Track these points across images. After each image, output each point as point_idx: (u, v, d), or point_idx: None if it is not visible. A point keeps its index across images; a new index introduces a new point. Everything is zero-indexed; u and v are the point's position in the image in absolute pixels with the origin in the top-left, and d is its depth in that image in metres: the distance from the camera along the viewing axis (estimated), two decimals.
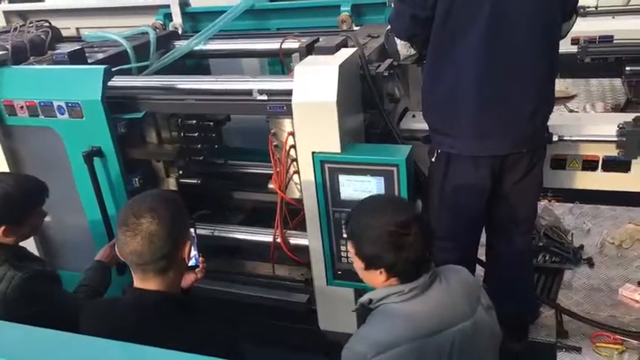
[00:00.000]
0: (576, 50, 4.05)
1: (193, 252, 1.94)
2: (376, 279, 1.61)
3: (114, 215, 2.51)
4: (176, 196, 1.75)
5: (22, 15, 3.62)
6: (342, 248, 2.27)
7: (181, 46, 3.00)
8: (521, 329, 2.47)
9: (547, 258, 2.92)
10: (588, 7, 4.51)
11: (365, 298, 1.64)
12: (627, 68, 4.03)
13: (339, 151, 2.14)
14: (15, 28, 3.02)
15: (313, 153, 2.17)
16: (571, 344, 2.38)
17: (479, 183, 2.15)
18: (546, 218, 3.13)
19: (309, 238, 2.35)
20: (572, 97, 4.46)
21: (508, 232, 2.32)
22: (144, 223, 1.53)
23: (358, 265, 1.64)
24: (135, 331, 1.40)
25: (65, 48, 2.78)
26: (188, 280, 1.97)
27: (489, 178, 2.14)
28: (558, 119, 2.53)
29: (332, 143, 2.13)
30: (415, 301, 1.57)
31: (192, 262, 1.95)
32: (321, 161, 2.17)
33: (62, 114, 2.46)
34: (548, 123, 2.33)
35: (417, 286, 1.57)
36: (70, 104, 2.43)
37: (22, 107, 2.51)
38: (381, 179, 2.13)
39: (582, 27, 4.11)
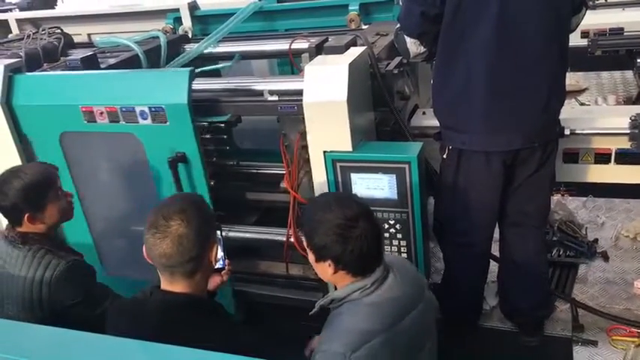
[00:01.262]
0: (586, 43, 4.04)
1: (220, 254, 1.98)
2: (325, 271, 1.65)
3: None
4: (202, 198, 1.77)
5: (34, 22, 3.67)
6: None
7: (192, 49, 3.03)
8: (537, 324, 2.47)
9: (561, 252, 2.91)
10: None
11: (326, 300, 1.68)
12: (639, 60, 4.02)
13: (350, 149, 2.15)
14: (28, 36, 3.07)
15: (325, 152, 2.19)
16: (587, 338, 2.38)
17: (491, 178, 2.15)
18: (560, 212, 3.13)
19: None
20: (584, 90, 4.43)
21: (521, 226, 2.32)
22: (173, 226, 1.55)
23: (310, 257, 1.69)
24: (160, 333, 1.42)
25: (77, 54, 2.80)
26: (214, 282, 2.00)
27: (502, 173, 2.15)
28: (570, 113, 2.53)
29: (343, 142, 2.14)
30: (376, 294, 1.63)
31: (219, 264, 1.98)
32: (332, 160, 2.19)
33: (145, 119, 2.36)
34: (560, 117, 2.33)
35: (376, 279, 1.63)
36: (153, 109, 2.34)
37: (101, 113, 2.42)
38: (393, 177, 2.14)
39: (592, 20, 4.08)
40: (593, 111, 2.93)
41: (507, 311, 2.53)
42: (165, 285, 1.62)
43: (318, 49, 2.45)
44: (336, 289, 1.71)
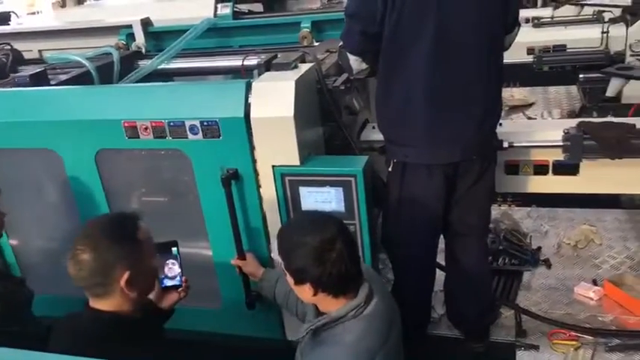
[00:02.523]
0: (532, 59, 4.23)
1: (177, 271, 1.99)
2: (305, 293, 1.70)
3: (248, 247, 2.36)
4: (125, 223, 1.75)
5: None
6: None
7: (145, 65, 3.04)
8: (482, 330, 2.55)
9: (507, 260, 3.01)
10: (543, 18, 4.71)
11: (320, 322, 1.71)
12: (581, 76, 4.22)
13: (298, 163, 2.20)
14: None
15: (274, 166, 2.23)
16: (529, 342, 2.46)
17: (434, 190, 2.23)
18: (506, 222, 3.24)
19: (273, 252, 2.39)
20: (531, 104, 4.62)
21: (464, 236, 2.40)
22: (78, 250, 1.62)
23: (289, 279, 1.73)
24: (94, 348, 1.43)
25: (27, 70, 2.75)
26: (170, 299, 2.02)
27: (444, 185, 2.23)
28: (510, 126, 2.65)
29: (291, 156, 2.19)
30: (367, 315, 1.68)
31: (176, 282, 2.00)
32: (281, 174, 2.23)
33: (195, 134, 2.23)
34: (501, 130, 2.43)
35: (363, 301, 1.68)
36: (205, 123, 2.22)
37: (146, 128, 2.27)
38: (340, 189, 2.19)
39: (537, 37, 4.32)
40: (532, 124, 3.07)
41: (454, 319, 2.60)
42: (92, 303, 1.68)
43: (267, 66, 2.50)
44: (318, 310, 1.76)
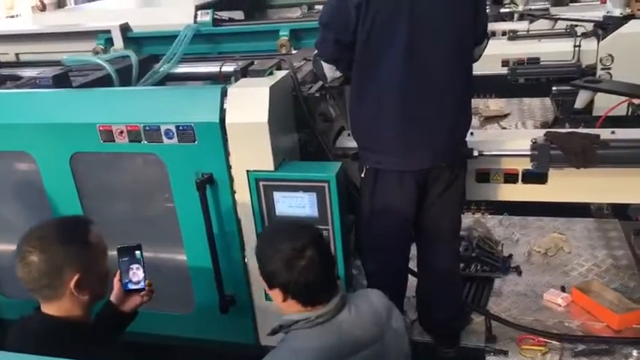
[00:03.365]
0: (507, 71, 4.33)
1: (141, 275, 1.99)
2: (277, 298, 1.73)
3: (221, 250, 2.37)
4: (76, 226, 1.74)
5: None
6: None
7: (161, 69, 2.95)
8: (453, 336, 2.58)
9: (479, 267, 3.06)
10: (520, 31, 4.82)
11: (275, 324, 1.74)
12: (554, 88, 4.34)
13: (272, 168, 2.23)
14: None
15: (248, 171, 2.25)
16: (499, 348, 2.50)
17: (405, 196, 2.27)
18: (479, 230, 3.30)
19: (248, 257, 2.42)
20: (506, 115, 4.72)
21: (436, 242, 2.44)
22: (27, 252, 1.60)
23: (264, 284, 1.76)
24: (39, 353, 1.43)
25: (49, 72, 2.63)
26: (132, 302, 2.01)
27: (415, 192, 2.27)
28: (482, 135, 2.70)
29: (265, 161, 2.22)
30: (324, 327, 1.68)
31: (139, 286, 2.00)
32: (255, 179, 2.25)
33: (170, 138, 2.25)
34: (472, 139, 2.49)
35: (325, 312, 1.68)
36: (180, 127, 2.23)
37: (121, 132, 2.28)
38: (314, 195, 2.23)
39: (511, 49, 4.42)
40: (503, 134, 3.14)
41: (425, 324, 2.64)
42: (42, 307, 1.67)
43: (244, 72, 2.53)
44: None
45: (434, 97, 2.16)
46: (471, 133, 2.48)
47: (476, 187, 2.64)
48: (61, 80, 2.52)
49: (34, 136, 2.41)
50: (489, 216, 3.52)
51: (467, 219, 3.33)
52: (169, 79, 3.13)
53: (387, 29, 2.06)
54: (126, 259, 1.98)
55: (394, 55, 2.08)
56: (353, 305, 1.75)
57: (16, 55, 3.59)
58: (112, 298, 2.01)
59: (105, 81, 2.67)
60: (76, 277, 1.64)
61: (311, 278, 1.65)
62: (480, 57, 2.35)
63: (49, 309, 1.67)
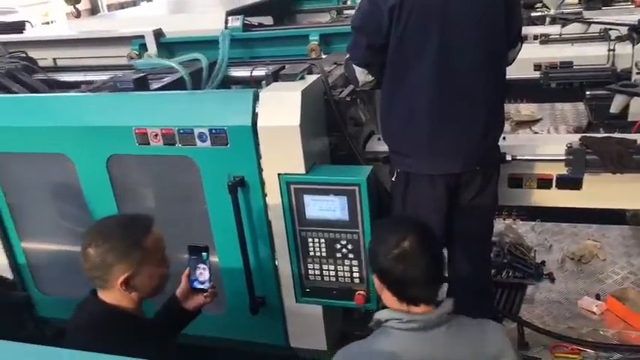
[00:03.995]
0: (539, 76, 4.27)
1: (207, 276, 2.04)
2: (381, 292, 1.71)
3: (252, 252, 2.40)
4: (137, 226, 1.81)
5: (1, 46, 3.70)
6: (310, 266, 2.35)
7: (224, 73, 3.02)
8: None
9: (510, 274, 3.03)
10: (551, 35, 4.75)
11: (374, 316, 1.69)
12: (587, 92, 4.25)
13: (303, 172, 2.24)
14: None
15: (279, 174, 2.27)
16: (532, 355, 2.47)
17: (436, 200, 2.26)
18: (510, 236, 3.27)
19: (278, 258, 2.43)
20: (538, 120, 4.66)
21: (467, 247, 2.42)
22: (86, 243, 1.72)
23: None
24: (89, 333, 1.63)
25: (130, 75, 2.69)
26: (195, 301, 2.07)
27: (446, 196, 2.25)
28: (514, 140, 2.68)
29: (297, 164, 2.23)
30: (414, 334, 1.59)
31: (203, 286, 2.05)
32: (286, 182, 2.27)
33: (203, 141, 2.28)
34: (505, 144, 2.46)
35: (419, 320, 1.59)
36: (213, 131, 2.28)
37: (156, 135, 2.32)
38: (344, 199, 2.23)
39: (544, 53, 4.36)
40: (536, 139, 3.10)
41: None
42: (98, 291, 1.79)
43: (275, 76, 2.55)
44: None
45: (466, 101, 2.14)
46: (504, 138, 2.46)
47: (508, 193, 2.61)
48: (141, 83, 2.58)
49: (73, 138, 2.47)
50: (521, 222, 3.48)
51: (498, 225, 3.29)
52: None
53: (419, 32, 2.06)
54: (194, 257, 2.05)
55: (426, 58, 2.08)
56: (456, 326, 1.63)
57: (54, 60, 3.69)
58: (178, 292, 2.08)
59: (178, 84, 2.73)
60: (124, 276, 1.73)
61: (406, 271, 1.59)
62: (514, 60, 2.33)
63: (102, 295, 1.79)
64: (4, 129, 2.56)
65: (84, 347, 1.22)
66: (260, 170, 2.29)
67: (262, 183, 2.31)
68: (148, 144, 2.35)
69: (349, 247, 2.28)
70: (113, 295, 1.77)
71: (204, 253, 2.03)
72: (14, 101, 2.66)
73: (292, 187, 2.27)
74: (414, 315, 1.61)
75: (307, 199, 2.28)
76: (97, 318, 1.76)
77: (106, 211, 2.51)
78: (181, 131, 2.30)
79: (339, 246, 2.29)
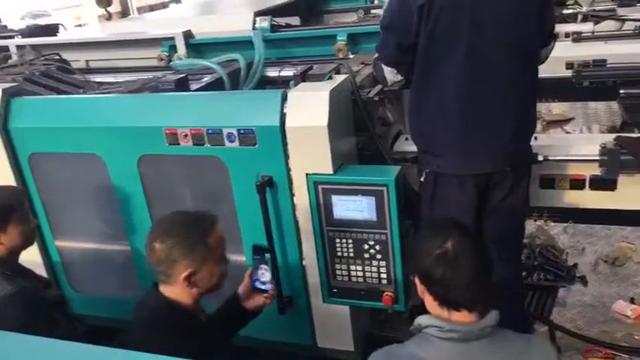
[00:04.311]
0: (571, 74, 4.18)
1: (268, 277, 2.08)
2: (422, 295, 1.63)
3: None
4: (202, 224, 1.86)
5: (35, 49, 3.79)
6: (337, 266, 2.35)
7: (261, 73, 3.01)
8: None
9: (542, 276, 2.97)
10: (584, 32, 4.65)
11: (415, 320, 1.63)
12: (621, 91, 4.14)
13: (331, 172, 2.23)
14: (26, 62, 3.19)
15: (307, 174, 2.27)
16: (563, 359, 2.42)
17: (465, 201, 2.23)
18: (541, 238, 3.21)
19: (305, 258, 2.44)
20: (570, 119, 4.56)
21: (497, 249, 2.37)
22: (152, 238, 1.80)
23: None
24: (147, 323, 1.74)
25: (171, 76, 2.73)
26: (255, 301, 2.12)
27: (475, 196, 2.23)
28: (546, 140, 2.63)
29: (324, 165, 2.23)
30: (453, 345, 1.52)
31: (264, 287, 2.09)
32: (314, 182, 2.27)
33: (232, 142, 2.30)
34: (537, 144, 2.42)
35: (459, 330, 1.52)
36: (242, 131, 2.30)
37: (186, 135, 2.35)
38: (372, 199, 2.22)
39: (576, 51, 4.26)
40: (569, 138, 3.03)
41: None
42: (159, 285, 1.86)
43: (303, 77, 2.56)
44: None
45: (497, 100, 2.11)
46: (535, 138, 2.41)
47: (540, 193, 2.56)
48: (182, 84, 2.62)
49: (105, 139, 2.52)
50: (552, 223, 3.41)
51: (529, 226, 3.24)
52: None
53: (449, 31, 2.04)
54: (257, 257, 2.09)
55: (456, 57, 2.06)
56: (500, 341, 1.55)
57: (86, 62, 3.76)
58: (240, 290, 2.13)
59: (217, 84, 2.76)
60: (187, 272, 1.78)
61: (447, 272, 1.51)
62: (546, 58, 2.29)
63: (163, 288, 1.85)
64: (39, 130, 2.62)
65: (144, 341, 1.37)
66: (288, 170, 2.30)
67: (290, 183, 2.31)
68: (178, 144, 2.38)
69: (377, 247, 2.27)
70: (174, 290, 1.82)
71: (266, 255, 2.07)
72: (48, 103, 2.71)
73: (320, 187, 2.27)
74: (454, 325, 1.53)
75: (335, 199, 2.27)
76: (157, 312, 1.82)
77: (137, 211, 2.57)
78: (210, 131, 2.32)
79: (366, 246, 2.28)
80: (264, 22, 3.64)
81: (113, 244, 2.80)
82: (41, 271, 2.78)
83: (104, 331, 2.64)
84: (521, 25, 2.08)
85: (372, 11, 4.92)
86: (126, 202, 2.59)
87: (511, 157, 2.20)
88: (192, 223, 1.84)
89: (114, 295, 2.86)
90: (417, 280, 1.64)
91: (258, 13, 3.69)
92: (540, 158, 2.37)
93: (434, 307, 1.60)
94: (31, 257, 2.36)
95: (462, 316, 1.55)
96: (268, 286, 2.06)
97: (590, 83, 4.20)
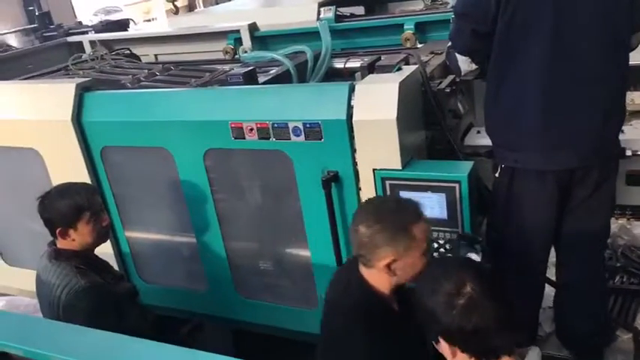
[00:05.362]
0: None
1: None
2: (445, 352, 1.46)
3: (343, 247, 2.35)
4: (407, 213, 1.79)
5: (106, 44, 3.91)
6: None
7: (328, 64, 2.96)
8: (595, 352, 2.36)
9: (625, 279, 2.77)
10: None
11: None
12: None
13: (399, 167, 2.15)
14: (99, 57, 3.29)
15: (374, 170, 2.20)
16: None
17: (545, 198, 2.09)
18: (624, 237, 3.00)
19: None
20: None
21: (579, 250, 2.23)
22: (358, 220, 1.78)
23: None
24: (357, 310, 1.79)
25: (239, 69, 2.70)
26: None
27: (557, 193, 2.08)
28: (634, 133, 2.43)
29: (393, 160, 2.15)
30: None
31: None
32: (382, 178, 2.20)
33: (297, 136, 2.27)
34: (623, 137, 2.24)
35: None
36: (307, 125, 2.25)
37: (251, 129, 2.34)
38: (443, 196, 2.13)
39: None
40: None
41: (564, 338, 2.43)
42: (361, 268, 1.84)
43: (370, 68, 2.48)
44: None
45: (583, 89, 1.96)
46: (622, 131, 2.23)
47: (626, 191, 2.41)
48: (251, 77, 2.60)
49: (173, 132, 2.54)
50: (636, 222, 3.17)
51: (611, 225, 3.02)
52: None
53: (531, 16, 1.90)
54: (464, 243, 2.07)
55: (538, 43, 1.92)
56: None
57: (155, 56, 3.84)
58: None
59: (284, 77, 2.75)
60: (388, 260, 1.74)
61: (474, 321, 1.35)
62: (638, 44, 2.09)
63: (363, 271, 1.83)
64: (110, 124, 2.68)
65: (346, 332, 1.55)
66: (355, 165, 2.23)
67: (357, 178, 2.25)
68: (244, 138, 2.36)
69: (447, 246, 2.19)
70: (373, 274, 1.80)
71: (476, 245, 2.01)
72: (119, 97, 2.77)
73: (388, 183, 2.20)
74: None
75: (403, 195, 2.19)
76: (361, 308, 1.80)
77: (202, 204, 2.58)
78: (276, 125, 2.28)
79: (436, 245, 2.19)
80: (328, 13, 3.59)
81: (180, 236, 2.84)
82: (112, 262, 2.86)
83: (172, 322, 2.70)
84: (610, 8, 1.92)
85: None
86: (192, 196, 2.61)
87: (598, 152, 2.04)
88: (397, 211, 1.79)
89: (181, 286, 2.91)
90: (442, 343, 1.44)
91: (322, 4, 3.65)
92: (628, 153, 2.20)
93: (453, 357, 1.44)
94: (103, 249, 2.40)
95: None
96: None
97: None
